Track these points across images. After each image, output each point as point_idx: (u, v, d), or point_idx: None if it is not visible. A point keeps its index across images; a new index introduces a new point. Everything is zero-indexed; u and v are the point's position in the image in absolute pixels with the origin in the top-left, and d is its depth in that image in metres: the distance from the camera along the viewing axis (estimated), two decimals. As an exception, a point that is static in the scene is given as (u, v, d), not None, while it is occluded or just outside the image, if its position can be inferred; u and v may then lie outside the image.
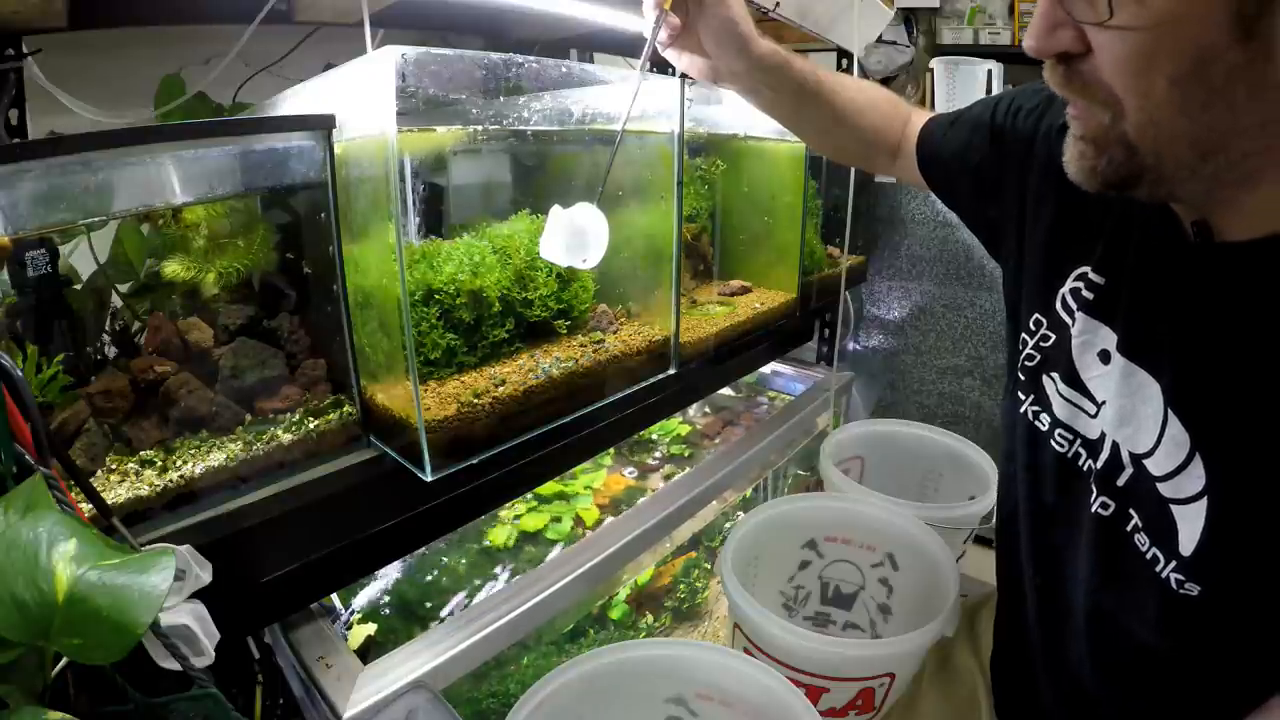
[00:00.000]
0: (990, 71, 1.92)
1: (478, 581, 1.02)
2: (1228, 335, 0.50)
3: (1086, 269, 0.61)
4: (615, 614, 1.14)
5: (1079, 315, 0.61)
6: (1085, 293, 0.61)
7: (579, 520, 1.15)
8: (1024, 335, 0.67)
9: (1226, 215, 0.49)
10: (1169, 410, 0.53)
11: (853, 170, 1.27)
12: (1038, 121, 0.66)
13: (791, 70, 0.72)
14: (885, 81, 2.19)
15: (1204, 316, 0.51)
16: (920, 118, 0.80)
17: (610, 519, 1.06)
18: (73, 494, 0.47)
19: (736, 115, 1.19)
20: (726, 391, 1.59)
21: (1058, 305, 0.64)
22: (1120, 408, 0.57)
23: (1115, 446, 0.57)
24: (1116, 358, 0.57)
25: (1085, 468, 0.61)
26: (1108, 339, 0.59)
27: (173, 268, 0.66)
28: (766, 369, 1.62)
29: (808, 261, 1.27)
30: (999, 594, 0.79)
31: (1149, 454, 0.54)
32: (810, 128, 0.82)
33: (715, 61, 0.70)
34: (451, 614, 0.94)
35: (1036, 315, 0.66)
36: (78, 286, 0.69)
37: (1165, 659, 0.55)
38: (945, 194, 0.80)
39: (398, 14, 0.90)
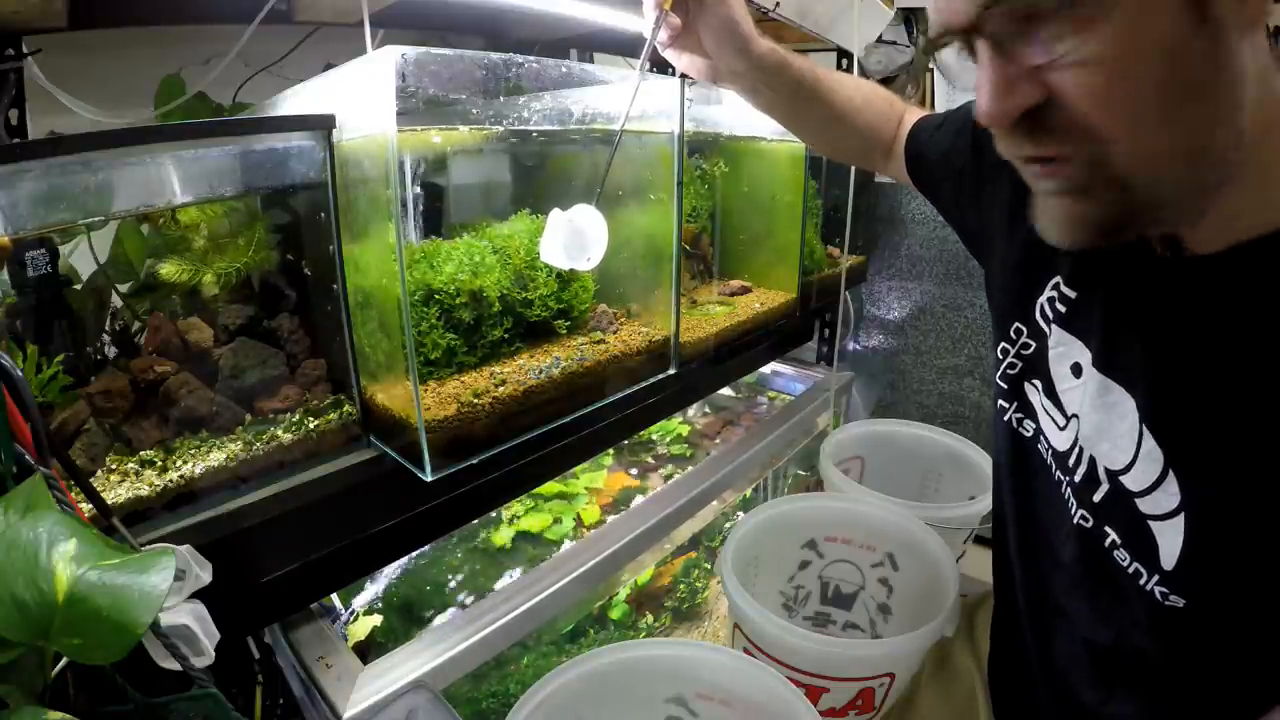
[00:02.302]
0: (990, 71, 1.91)
1: (478, 581, 1.02)
2: (1199, 350, 0.48)
3: (1059, 279, 0.60)
4: (615, 614, 1.14)
5: (1054, 327, 0.61)
6: (1059, 305, 0.60)
7: (579, 520, 1.15)
8: (1004, 344, 0.67)
9: (1195, 226, 0.48)
10: (1143, 427, 0.52)
11: (853, 170, 1.27)
12: None
13: (790, 69, 0.72)
14: (885, 81, 2.19)
15: (1175, 331, 0.50)
16: (913, 117, 0.80)
17: (610, 519, 1.06)
18: (73, 494, 0.47)
19: (736, 115, 1.19)
20: (726, 391, 1.59)
21: (1036, 314, 0.63)
22: (1097, 423, 0.56)
23: (1092, 461, 0.57)
24: (1091, 372, 0.57)
25: (1058, 479, 0.61)
26: (1080, 353, 0.58)
27: (169, 269, 0.66)
28: (766, 369, 1.62)
29: (808, 261, 1.27)
30: (995, 596, 0.79)
31: (1125, 470, 0.54)
32: (809, 126, 0.82)
33: (715, 61, 0.70)
34: (451, 614, 0.94)
35: (1017, 324, 0.66)
36: (78, 286, 0.69)
37: (1157, 665, 0.55)
38: (931, 196, 0.80)
39: (398, 14, 0.90)
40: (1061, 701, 0.65)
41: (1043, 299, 0.62)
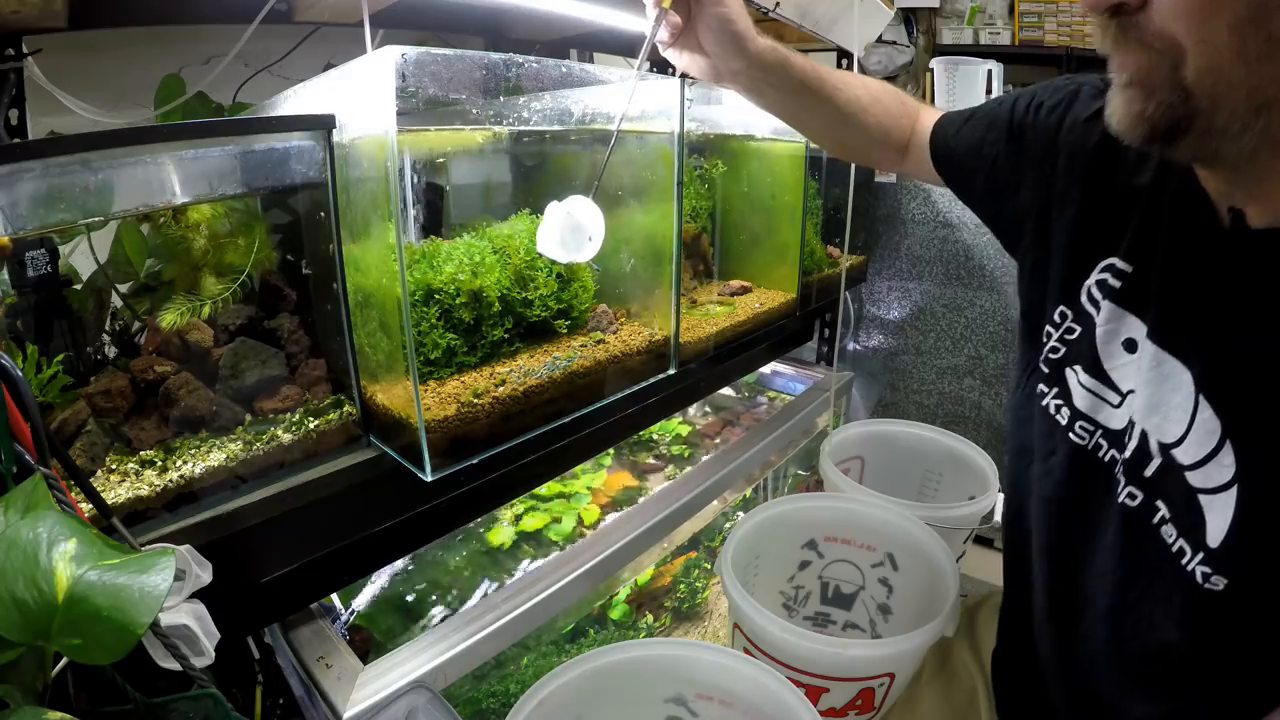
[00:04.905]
0: (990, 71, 1.92)
1: (478, 581, 1.03)
2: (1263, 320, 0.50)
3: (1114, 260, 0.61)
4: (615, 614, 1.14)
5: (1104, 304, 0.62)
6: (1112, 281, 0.61)
7: (579, 520, 1.15)
8: (1048, 328, 0.68)
9: (1263, 196, 0.49)
10: (1200, 397, 0.53)
11: (853, 170, 1.27)
12: (1062, 116, 0.67)
13: (792, 68, 0.72)
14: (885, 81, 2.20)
15: (1238, 302, 0.52)
16: (931, 115, 0.81)
17: (610, 519, 1.06)
18: (73, 494, 0.47)
19: (736, 115, 1.19)
20: (726, 391, 1.59)
21: (1083, 297, 0.64)
22: (1149, 396, 0.57)
23: (1144, 435, 0.58)
24: (1146, 345, 0.58)
25: (1107, 459, 0.61)
26: (1134, 328, 0.59)
27: (170, 317, 0.66)
28: (766, 369, 1.62)
29: (808, 261, 1.27)
30: (1005, 592, 0.79)
31: (1178, 443, 0.55)
32: (813, 125, 0.82)
33: (715, 60, 0.70)
34: (451, 614, 0.94)
35: (1061, 308, 0.66)
36: (78, 286, 0.69)
37: (1185, 657, 0.55)
38: (960, 189, 0.80)
39: (398, 14, 0.90)
40: (1078, 699, 0.65)
41: (1091, 281, 0.63)
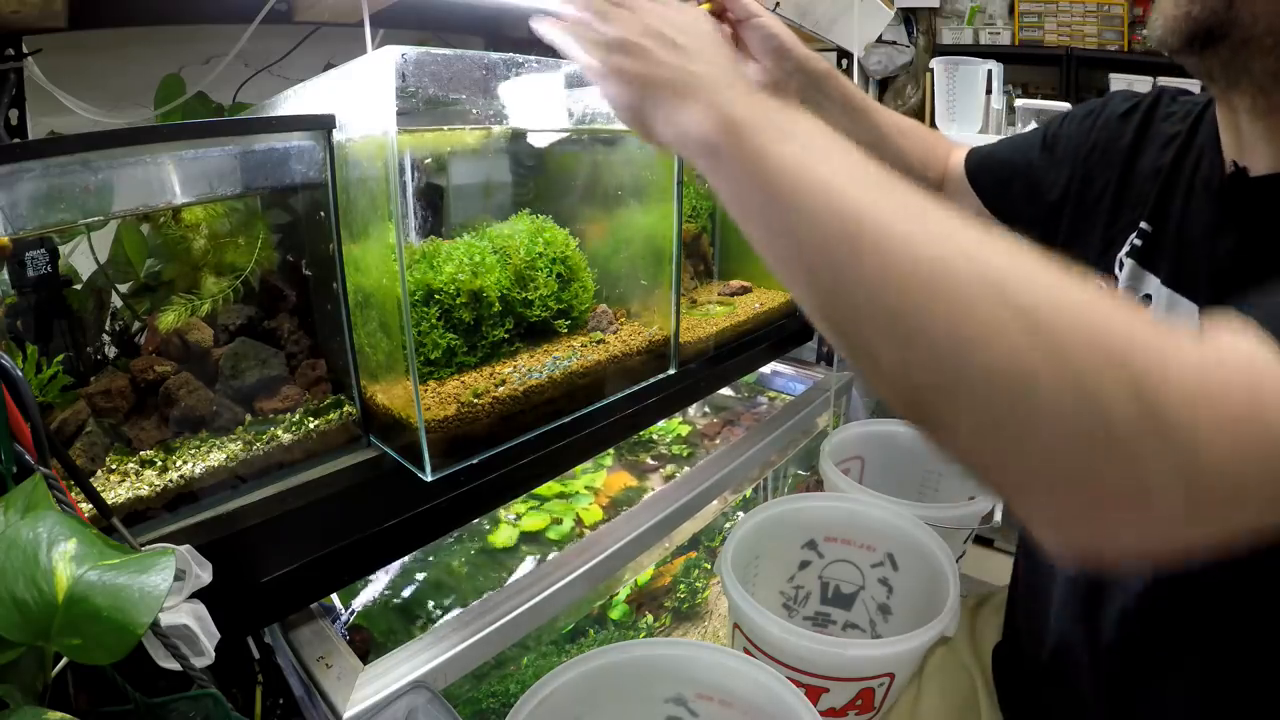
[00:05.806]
0: (990, 71, 1.92)
1: (478, 581, 1.02)
2: (1259, 254, 0.54)
3: (1140, 225, 0.66)
4: (615, 614, 1.14)
5: (1128, 263, 0.66)
6: (1136, 242, 0.66)
7: (579, 520, 1.15)
8: None
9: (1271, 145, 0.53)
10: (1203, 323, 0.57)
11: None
12: (1095, 119, 0.73)
13: (836, 78, 0.76)
14: (885, 82, 2.19)
15: (1238, 238, 0.56)
16: (961, 149, 0.85)
17: (610, 519, 1.06)
18: (73, 494, 0.47)
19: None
20: (726, 391, 1.58)
21: (1115, 267, 0.68)
22: None
23: None
24: (1161, 292, 0.63)
25: None
26: (1150, 284, 0.64)
27: (170, 319, 0.67)
28: (766, 369, 1.62)
29: (808, 261, 1.27)
30: (1013, 588, 0.80)
31: None
32: (859, 145, 0.84)
33: (767, 66, 0.73)
34: (451, 614, 0.94)
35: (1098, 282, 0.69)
36: (78, 286, 0.69)
37: (1217, 613, 0.58)
38: (996, 202, 0.82)
39: (398, 14, 0.90)
40: (1096, 687, 0.66)
41: (1121, 253, 0.68)
